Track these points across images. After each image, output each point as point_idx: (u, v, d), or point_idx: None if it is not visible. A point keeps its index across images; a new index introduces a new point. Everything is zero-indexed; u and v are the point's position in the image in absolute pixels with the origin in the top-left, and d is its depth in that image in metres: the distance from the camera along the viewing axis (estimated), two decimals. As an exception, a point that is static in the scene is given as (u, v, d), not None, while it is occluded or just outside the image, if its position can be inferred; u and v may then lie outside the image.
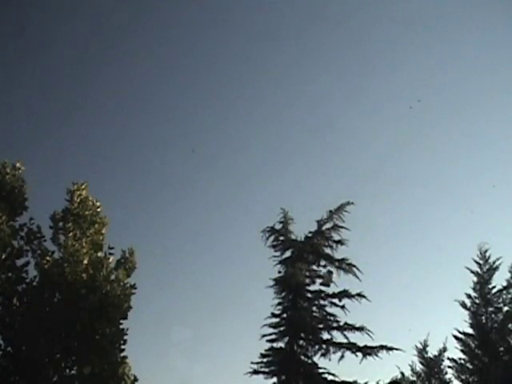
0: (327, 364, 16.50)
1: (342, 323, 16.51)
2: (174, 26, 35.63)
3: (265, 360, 16.53)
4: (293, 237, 17.63)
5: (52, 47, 33.38)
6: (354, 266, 16.92)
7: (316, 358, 16.54)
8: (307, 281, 17.11)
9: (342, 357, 16.34)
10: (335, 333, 16.50)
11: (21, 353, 12.31)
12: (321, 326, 16.72)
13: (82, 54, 34.78)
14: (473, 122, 36.99)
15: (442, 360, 21.90)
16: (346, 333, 16.40)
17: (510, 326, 19.88)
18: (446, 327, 24.84)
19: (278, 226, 17.83)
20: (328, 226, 17.40)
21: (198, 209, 38.97)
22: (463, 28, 34.36)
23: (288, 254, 17.45)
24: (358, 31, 36.81)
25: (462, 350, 20.34)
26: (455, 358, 20.62)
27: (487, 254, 20.61)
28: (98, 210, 14.01)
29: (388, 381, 19.44)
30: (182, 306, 33.91)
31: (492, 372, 19.11)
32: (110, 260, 13.81)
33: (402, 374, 22.66)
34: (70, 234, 13.38)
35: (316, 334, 16.60)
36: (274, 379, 16.33)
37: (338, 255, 17.15)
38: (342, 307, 16.66)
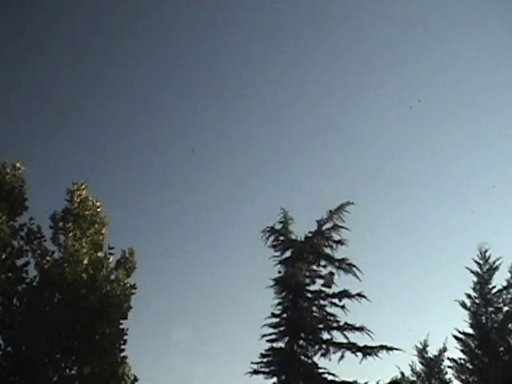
0: (327, 364, 16.55)
1: (342, 323, 16.52)
2: (174, 26, 35.70)
3: (265, 360, 16.54)
4: (293, 237, 17.64)
5: (52, 47, 33.47)
6: (354, 266, 16.93)
7: (316, 358, 16.58)
8: (307, 281, 17.11)
9: (342, 357, 16.37)
10: (335, 333, 16.53)
11: (21, 353, 12.31)
12: (321, 326, 16.72)
13: (82, 54, 34.84)
14: (473, 121, 37.06)
15: (442, 360, 21.91)
16: (346, 333, 16.42)
17: (510, 325, 19.88)
18: (446, 327, 24.92)
19: (278, 226, 17.86)
20: (328, 225, 17.41)
21: (198, 209, 39.03)
22: (463, 28, 34.44)
23: (288, 254, 17.47)
24: (358, 31, 36.91)
25: (462, 350, 20.34)
26: (455, 357, 20.65)
27: (487, 254, 20.62)
28: (98, 209, 14.00)
29: (388, 381, 19.47)
30: (182, 306, 34.00)
31: (492, 372, 19.11)
32: (110, 260, 13.81)
33: (402, 374, 22.68)
34: (70, 234, 13.38)
35: (316, 333, 16.60)
36: (274, 379, 16.34)
37: (338, 255, 17.20)
38: (342, 307, 16.67)
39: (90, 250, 13.48)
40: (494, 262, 20.50)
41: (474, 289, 20.55)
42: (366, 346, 16.18)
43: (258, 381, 16.44)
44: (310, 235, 17.42)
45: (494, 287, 20.36)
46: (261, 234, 17.69)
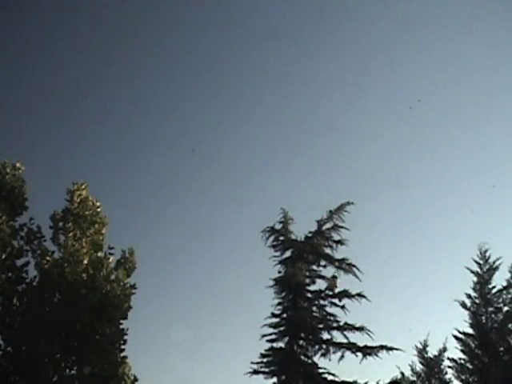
0: (327, 364, 16.54)
1: (342, 323, 16.52)
2: (174, 26, 35.65)
3: (265, 360, 16.53)
4: (293, 237, 17.63)
5: (52, 47, 33.45)
6: (354, 266, 16.93)
7: (316, 358, 16.57)
8: (307, 281, 17.11)
9: (342, 357, 16.36)
10: (335, 333, 16.52)
11: (21, 353, 12.31)
12: (321, 326, 16.72)
13: (82, 54, 34.82)
14: (473, 121, 37.00)
15: (442, 360, 21.91)
16: (346, 333, 16.41)
17: (510, 325, 19.88)
18: (446, 327, 24.82)
19: (278, 226, 17.86)
20: (328, 226, 17.41)
21: (198, 209, 38.99)
22: (463, 28, 34.34)
23: (288, 254, 17.47)
24: (358, 31, 36.85)
25: (462, 350, 20.35)
26: (455, 357, 20.65)
27: (487, 254, 20.62)
28: (98, 209, 14.01)
29: (388, 381, 19.44)
30: (182, 305, 33.97)
31: (492, 372, 19.11)
32: (110, 260, 13.81)
33: (402, 373, 22.68)
34: (70, 234, 13.38)
35: (316, 333, 16.60)
36: (274, 379, 16.34)
37: (338, 255, 17.19)
38: (342, 307, 16.67)
39: (90, 250, 13.48)
40: (494, 262, 20.50)
41: (474, 289, 20.55)
42: (366, 346, 16.17)
43: (258, 381, 16.46)
44: (310, 235, 17.42)
45: (494, 287, 20.37)
46: (261, 234, 17.70)
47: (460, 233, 35.12)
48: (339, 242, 17.21)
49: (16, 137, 29.78)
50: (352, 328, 16.35)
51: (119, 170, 37.92)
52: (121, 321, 13.41)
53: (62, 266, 13.04)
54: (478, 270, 20.63)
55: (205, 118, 38.34)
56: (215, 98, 38.56)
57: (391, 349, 16.24)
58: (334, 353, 16.38)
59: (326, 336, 16.55)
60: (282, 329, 16.68)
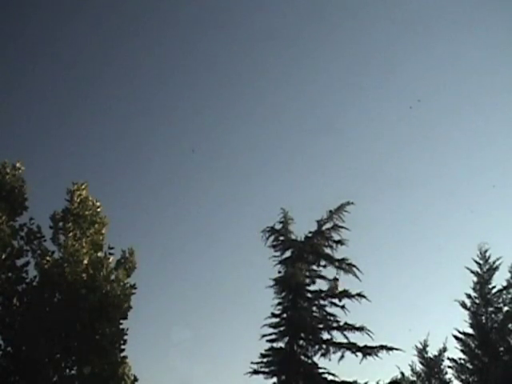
0: (327, 364, 16.55)
1: (342, 323, 16.53)
2: (174, 26, 35.65)
3: (265, 360, 16.54)
4: (293, 237, 17.64)
5: (52, 47, 33.45)
6: (354, 266, 16.94)
7: (316, 358, 16.59)
8: (307, 281, 17.12)
9: (342, 357, 16.37)
10: (335, 333, 16.53)
11: (21, 353, 12.31)
12: (321, 326, 16.72)
13: (81, 54, 34.83)
14: (473, 121, 36.97)
15: (442, 360, 21.89)
16: (346, 333, 16.43)
17: (510, 325, 19.88)
18: (446, 327, 24.82)
19: (278, 226, 17.87)
20: (328, 226, 17.42)
21: (198, 209, 39.00)
22: (463, 28, 34.35)
23: (288, 254, 17.47)
24: (358, 31, 36.85)
25: (462, 350, 20.34)
26: (455, 357, 20.64)
27: (487, 254, 20.62)
28: (98, 209, 14.01)
29: (388, 381, 19.40)
30: (182, 306, 33.94)
31: (492, 372, 19.11)
32: (110, 260, 13.81)
33: (402, 373, 22.66)
34: (70, 234, 13.38)
35: (316, 333, 16.60)
36: (274, 379, 16.34)
37: (338, 255, 17.20)
38: (342, 307, 16.67)
39: (90, 250, 13.48)
40: (494, 262, 20.49)
41: (474, 289, 20.55)
42: (366, 346, 16.18)
43: (258, 381, 16.47)
44: (310, 235, 17.42)
45: (494, 287, 20.36)
46: (261, 234, 17.72)
47: (460, 233, 35.13)
48: (339, 241, 17.22)
49: (16, 137, 29.82)
50: (352, 328, 16.36)
51: (119, 170, 37.93)
52: (121, 321, 13.40)
53: (62, 266, 13.04)
54: (478, 270, 20.63)
55: (205, 117, 38.37)
56: (215, 98, 38.62)
57: (391, 349, 16.25)
58: (334, 353, 16.40)
59: (326, 336, 16.59)
60: (281, 329, 16.68)
